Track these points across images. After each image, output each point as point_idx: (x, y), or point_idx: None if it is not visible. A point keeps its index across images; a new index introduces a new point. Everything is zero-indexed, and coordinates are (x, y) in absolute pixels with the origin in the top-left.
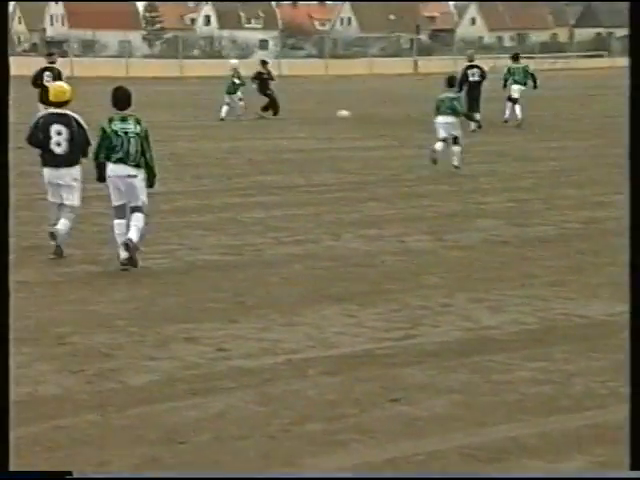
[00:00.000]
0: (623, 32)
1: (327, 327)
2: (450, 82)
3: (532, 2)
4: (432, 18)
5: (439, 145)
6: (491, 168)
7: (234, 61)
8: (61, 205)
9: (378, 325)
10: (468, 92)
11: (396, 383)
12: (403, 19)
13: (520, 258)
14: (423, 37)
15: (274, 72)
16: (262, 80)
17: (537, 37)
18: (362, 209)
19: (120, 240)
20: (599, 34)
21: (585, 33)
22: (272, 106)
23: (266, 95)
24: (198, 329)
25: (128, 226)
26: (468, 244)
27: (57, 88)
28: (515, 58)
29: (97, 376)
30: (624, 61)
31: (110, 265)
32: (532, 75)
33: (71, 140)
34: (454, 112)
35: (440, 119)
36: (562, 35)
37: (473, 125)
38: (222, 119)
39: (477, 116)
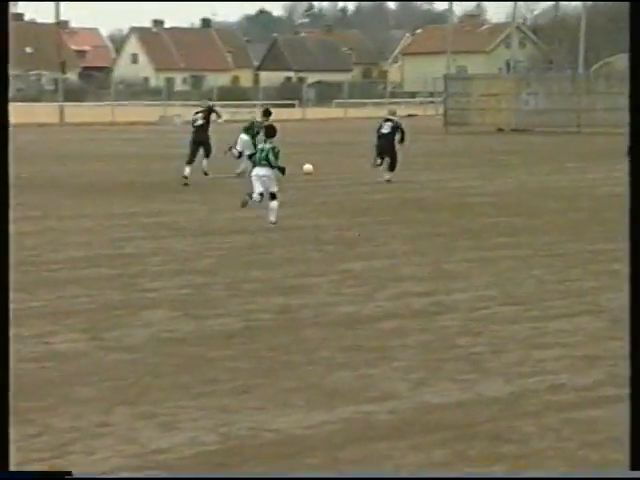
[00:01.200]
0: (315, 77)
1: None
2: (270, 132)
3: (207, 39)
4: (82, 53)
5: (256, 197)
6: (162, 245)
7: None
8: None
9: (11, 456)
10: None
11: None
12: (44, 53)
13: (199, 359)
14: (72, 76)
15: None
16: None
17: (215, 80)
18: None
19: None
20: (289, 79)
21: (272, 77)
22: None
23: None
24: None
25: None
26: (133, 343)
27: None
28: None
29: None
30: (317, 112)
31: None
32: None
33: None
34: (269, 164)
35: (256, 171)
36: (245, 78)
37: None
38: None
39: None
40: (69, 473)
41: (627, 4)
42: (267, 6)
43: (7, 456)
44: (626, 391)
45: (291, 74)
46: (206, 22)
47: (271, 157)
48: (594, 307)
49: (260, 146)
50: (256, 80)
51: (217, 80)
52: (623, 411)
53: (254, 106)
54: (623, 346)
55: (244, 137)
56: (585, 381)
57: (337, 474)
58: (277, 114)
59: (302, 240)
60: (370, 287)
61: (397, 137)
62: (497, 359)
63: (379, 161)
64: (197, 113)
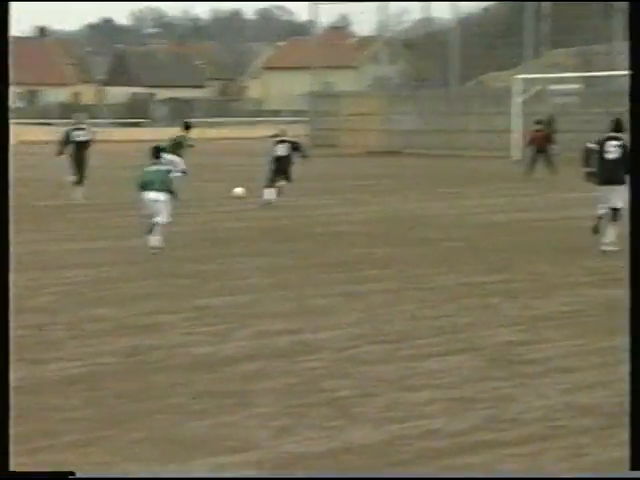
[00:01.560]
0: (166, 93)
1: None
2: (156, 153)
3: (44, 50)
4: None
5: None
6: None
7: None
8: None
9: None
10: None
11: None
12: None
13: (35, 409)
14: None
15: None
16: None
17: (55, 96)
18: None
19: None
20: (136, 94)
21: (119, 92)
22: None
23: None
24: None
25: None
26: None
27: None
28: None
29: None
30: (170, 132)
31: None
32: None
33: None
34: (167, 189)
35: (150, 195)
36: (88, 94)
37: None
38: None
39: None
40: (72, 473)
41: (499, 19)
42: (111, 14)
43: (7, 456)
44: (511, 432)
45: (139, 89)
46: (42, 31)
47: (168, 180)
48: (469, 345)
49: (153, 168)
50: (100, 96)
51: (57, 96)
52: (501, 456)
53: (98, 125)
54: (500, 387)
55: (176, 158)
56: (461, 426)
57: (337, 474)
58: (124, 134)
59: (153, 274)
60: (229, 325)
61: (296, 156)
62: (367, 403)
63: (272, 183)
64: (80, 130)
